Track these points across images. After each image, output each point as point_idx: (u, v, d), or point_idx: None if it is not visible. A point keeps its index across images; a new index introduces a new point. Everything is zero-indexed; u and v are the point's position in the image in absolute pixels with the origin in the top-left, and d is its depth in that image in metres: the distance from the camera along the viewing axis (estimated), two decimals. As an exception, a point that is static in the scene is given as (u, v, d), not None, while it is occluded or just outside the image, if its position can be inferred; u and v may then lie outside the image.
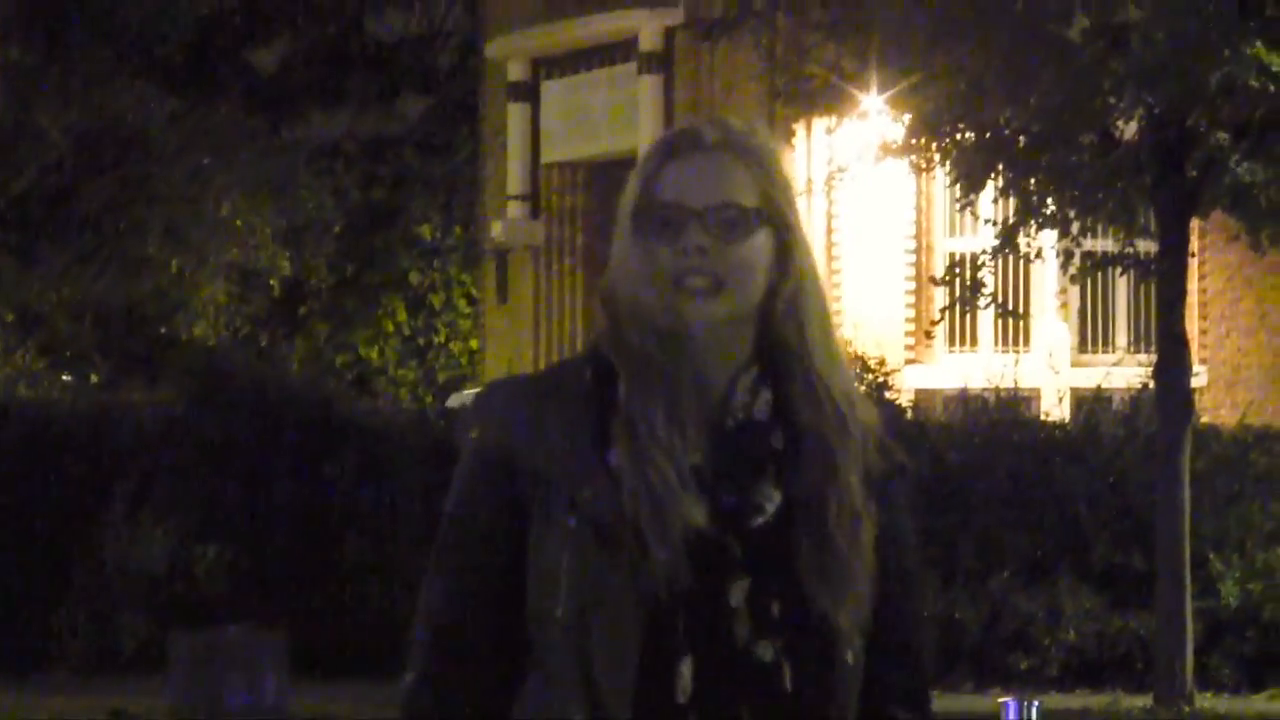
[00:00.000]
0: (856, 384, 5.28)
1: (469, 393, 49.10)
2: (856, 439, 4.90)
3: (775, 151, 4.93)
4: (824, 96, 40.64)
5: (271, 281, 58.67)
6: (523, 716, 4.89)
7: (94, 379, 50.44)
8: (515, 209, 54.43)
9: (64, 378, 49.65)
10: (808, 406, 4.82)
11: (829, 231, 48.00)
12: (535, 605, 4.84)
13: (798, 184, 44.09)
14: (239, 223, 55.66)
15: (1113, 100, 34.84)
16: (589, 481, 4.71)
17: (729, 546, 4.75)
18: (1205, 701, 37.75)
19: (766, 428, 4.87)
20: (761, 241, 4.86)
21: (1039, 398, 46.63)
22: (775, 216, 4.86)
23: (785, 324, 4.83)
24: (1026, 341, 48.38)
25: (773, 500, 4.81)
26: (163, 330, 54.38)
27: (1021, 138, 36.94)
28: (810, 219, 47.68)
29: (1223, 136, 35.93)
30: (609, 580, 4.70)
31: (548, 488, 4.77)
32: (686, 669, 4.68)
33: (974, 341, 47.35)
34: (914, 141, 37.94)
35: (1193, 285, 39.00)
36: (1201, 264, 39.64)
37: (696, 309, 4.76)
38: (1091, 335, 49.60)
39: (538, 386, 5.00)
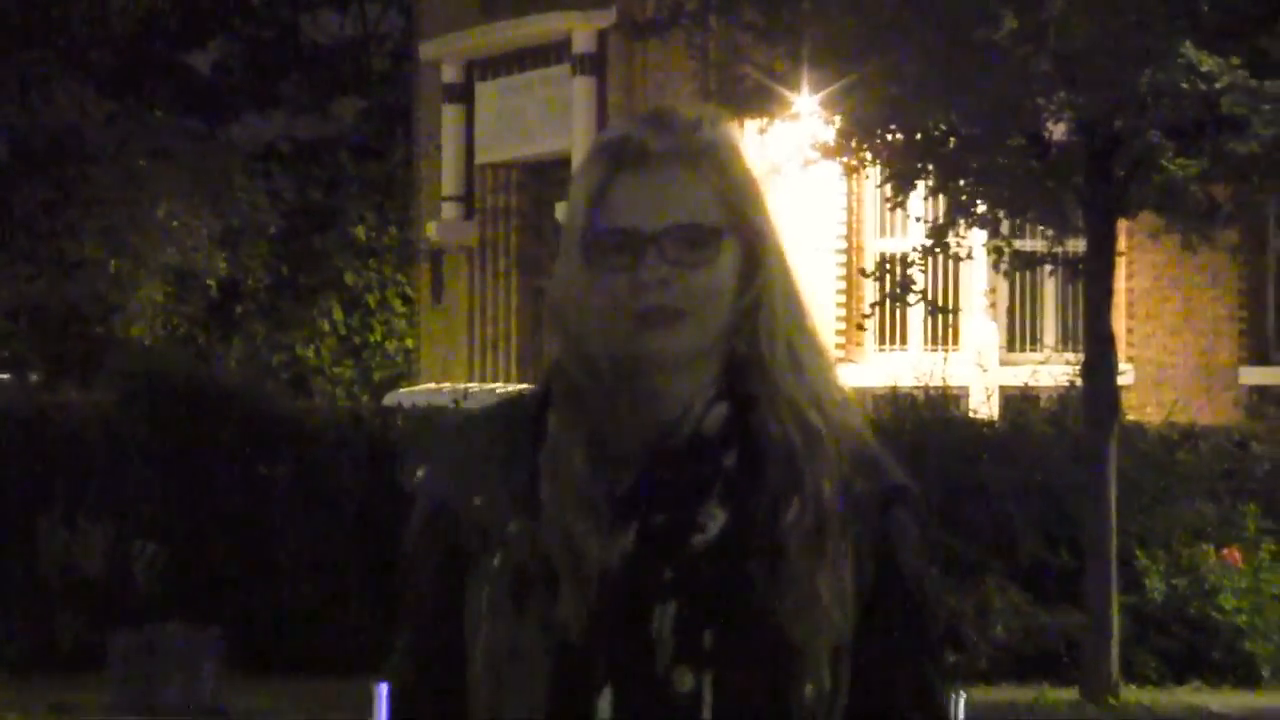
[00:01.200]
0: (840, 403, 4.55)
1: (404, 391, 49.33)
2: (830, 453, 4.50)
3: (733, 144, 4.56)
4: (756, 98, 40.69)
5: (209, 282, 58.78)
6: None
7: (32, 379, 50.40)
8: (450, 210, 54.59)
9: (1, 377, 49.66)
10: (774, 419, 4.45)
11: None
12: (467, 648, 4.60)
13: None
14: (175, 224, 55.76)
15: (1041, 102, 34.95)
16: (517, 516, 4.48)
17: (657, 571, 4.45)
18: (1131, 694, 37.87)
19: (716, 444, 4.48)
20: (727, 259, 4.46)
21: (968, 396, 46.74)
22: (742, 225, 4.46)
23: (752, 336, 4.48)
24: (955, 340, 48.58)
25: (715, 519, 4.44)
26: (100, 330, 54.41)
27: (951, 139, 37.01)
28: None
29: (1152, 137, 36.07)
30: (523, 619, 4.47)
31: (481, 533, 4.54)
32: (605, 702, 4.44)
33: (903, 340, 47.52)
34: (845, 143, 38.05)
35: (1120, 284, 39.10)
36: (1129, 263, 39.78)
37: (659, 341, 4.39)
38: (1020, 334, 49.75)
39: (491, 421, 4.74)
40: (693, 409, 4.44)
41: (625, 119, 4.52)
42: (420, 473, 4.60)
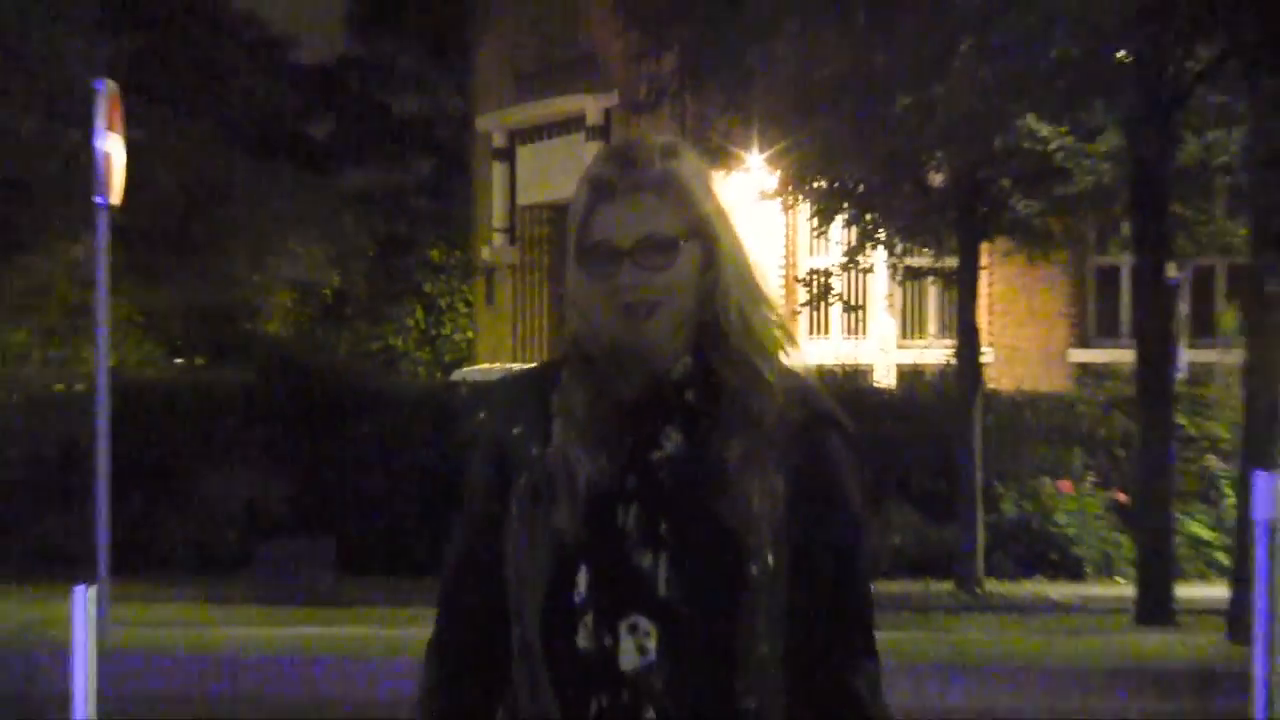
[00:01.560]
0: (784, 353, 4.63)
1: (466, 370, 49.33)
2: (769, 393, 4.52)
3: (695, 170, 4.69)
4: (719, 155, 40.63)
5: (325, 291, 58.58)
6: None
7: (198, 362, 50.25)
8: (498, 238, 54.36)
9: (176, 361, 49.54)
10: (728, 368, 4.48)
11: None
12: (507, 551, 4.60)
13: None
14: (300, 249, 55.50)
15: (925, 158, 34.95)
16: (537, 445, 4.49)
17: (624, 479, 4.44)
18: (991, 586, 37.90)
19: (680, 385, 4.49)
20: (686, 259, 4.49)
21: (873, 372, 46.70)
22: (699, 229, 4.52)
23: (712, 309, 4.50)
24: (864, 331, 48.46)
25: (671, 440, 4.47)
26: (246, 327, 54.19)
27: (860, 186, 37.00)
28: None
29: (1005, 184, 36.10)
30: (535, 526, 4.47)
31: (517, 454, 4.54)
32: (582, 578, 4.41)
33: (825, 331, 47.30)
34: (784, 188, 37.99)
35: (983, 289, 39.05)
36: (989, 275, 39.68)
37: (640, 329, 4.43)
38: (910, 326, 49.60)
39: (526, 379, 4.75)
40: (673, 361, 4.47)
41: (601, 157, 4.58)
42: (482, 415, 4.68)
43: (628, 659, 4.37)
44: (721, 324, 4.49)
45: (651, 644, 4.37)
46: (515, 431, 4.53)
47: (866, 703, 4.57)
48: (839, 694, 4.56)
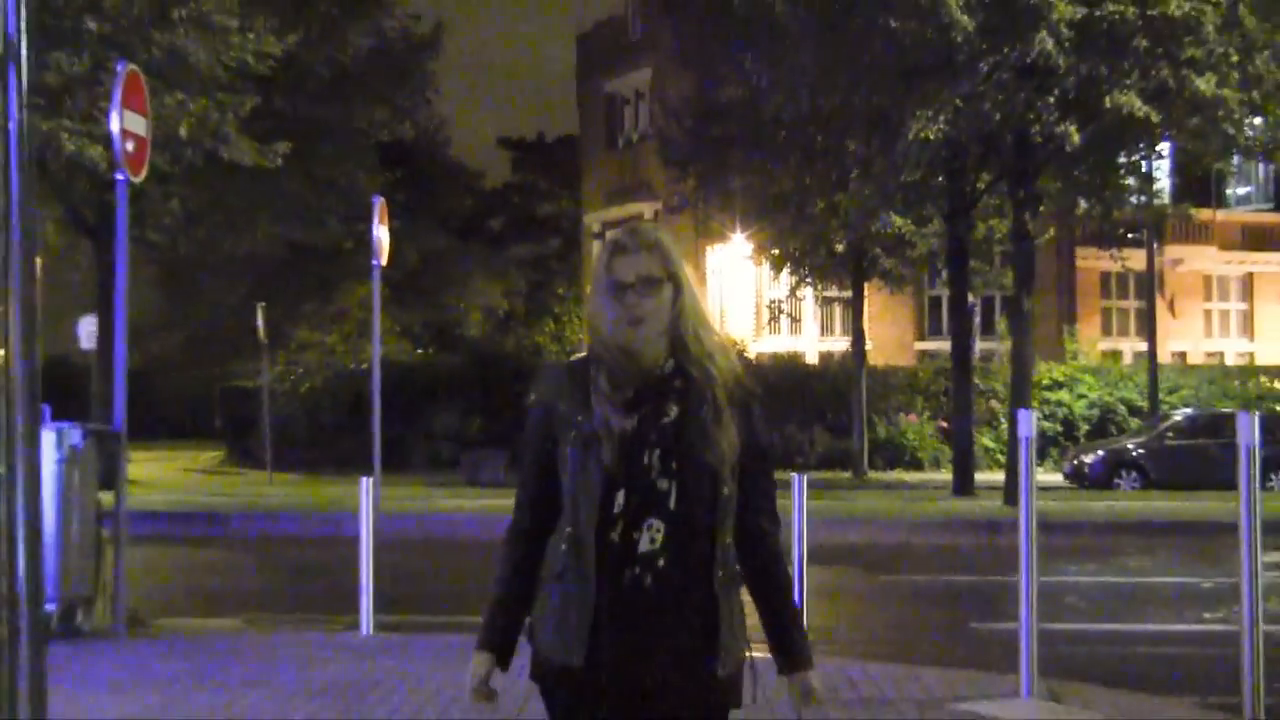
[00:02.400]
0: (726, 357, 4.61)
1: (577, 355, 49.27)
2: (718, 384, 4.47)
3: (667, 239, 4.56)
4: (717, 234, 40.58)
5: (500, 312, 58.61)
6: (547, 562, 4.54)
7: (429, 352, 50.21)
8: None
9: (417, 351, 49.54)
10: (692, 367, 4.44)
11: (720, 290, 47.87)
12: (562, 479, 4.45)
13: (692, 259, 44.74)
14: (485, 288, 55.35)
15: (834, 236, 34.85)
16: (583, 415, 4.38)
17: (647, 435, 4.37)
18: (870, 475, 37.78)
19: (671, 377, 4.44)
20: (665, 293, 4.44)
21: (806, 356, 46.52)
22: (672, 277, 4.46)
23: (679, 325, 4.44)
24: (800, 332, 48.26)
25: (673, 411, 4.42)
26: (456, 332, 54.17)
27: (797, 251, 36.91)
28: (717, 285, 47.76)
29: (877, 250, 35.99)
30: (588, 463, 4.34)
31: (565, 422, 4.42)
32: (620, 496, 4.32)
33: (776, 331, 47.10)
34: (756, 254, 37.88)
35: (866, 308, 38.86)
36: (869, 300, 39.49)
37: (635, 334, 4.40)
38: (825, 329, 49.34)
39: (567, 369, 4.56)
40: (664, 364, 4.45)
41: (621, 231, 4.61)
42: (533, 395, 4.59)
43: (644, 546, 4.33)
44: (686, 339, 4.45)
45: (659, 537, 4.33)
46: (561, 406, 4.44)
47: (774, 541, 4.56)
48: (760, 539, 4.54)
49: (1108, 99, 25.56)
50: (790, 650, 4.58)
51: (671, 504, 4.36)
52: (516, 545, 4.59)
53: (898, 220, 32.69)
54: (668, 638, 4.39)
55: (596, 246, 54.02)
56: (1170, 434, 36.00)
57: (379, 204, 24.67)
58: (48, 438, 11.99)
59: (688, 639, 4.41)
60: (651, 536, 4.35)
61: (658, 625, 4.38)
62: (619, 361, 4.43)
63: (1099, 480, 35.09)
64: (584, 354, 4.54)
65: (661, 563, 4.36)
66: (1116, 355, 49.33)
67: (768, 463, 4.60)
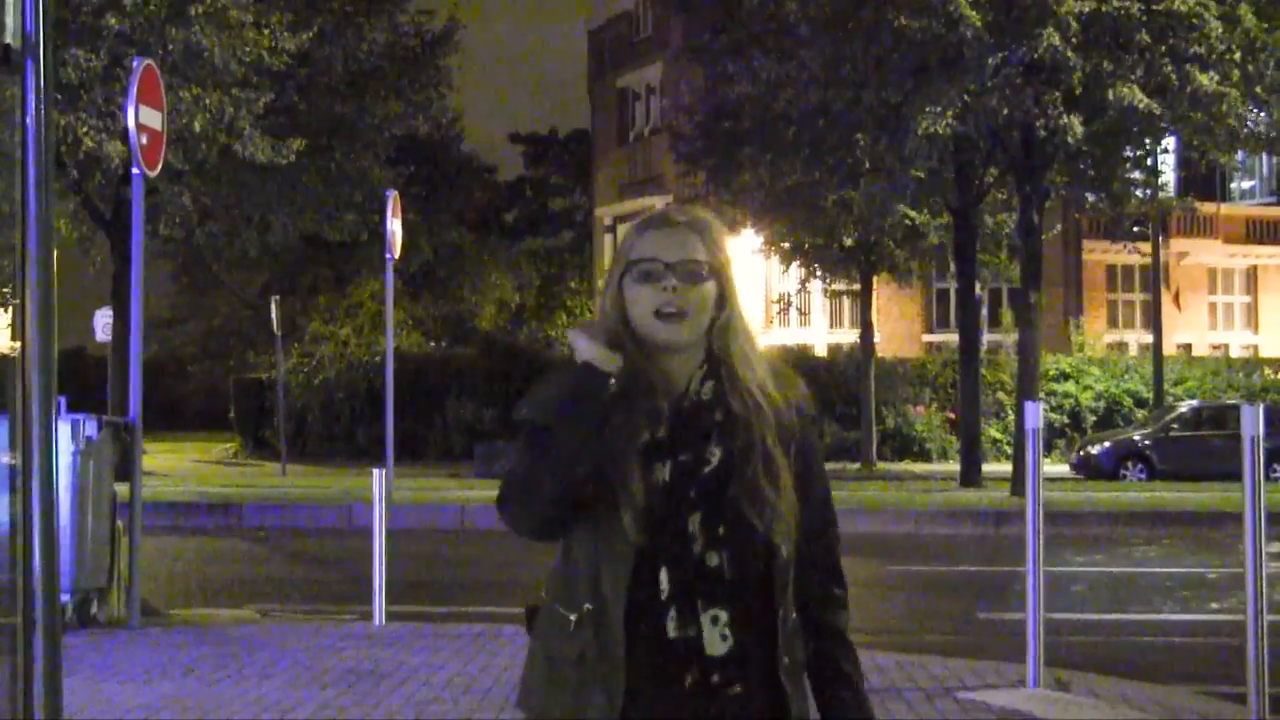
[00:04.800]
0: (781, 386, 3.60)
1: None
2: (769, 415, 3.48)
3: (719, 228, 3.62)
4: (728, 228, 40.49)
5: (512, 305, 58.60)
6: (560, 586, 3.54)
7: (442, 344, 50.21)
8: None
9: (430, 344, 49.54)
10: (735, 396, 3.48)
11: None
12: (576, 525, 3.49)
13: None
14: (499, 281, 55.32)
15: (844, 231, 34.84)
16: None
17: (687, 490, 3.39)
18: (879, 466, 37.81)
19: (710, 406, 3.47)
20: (710, 288, 3.50)
21: (815, 349, 46.56)
22: (717, 271, 3.52)
23: (722, 341, 3.51)
24: (810, 323, 48.30)
25: (715, 455, 3.43)
26: (469, 324, 54.17)
27: (806, 244, 36.92)
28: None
29: (888, 243, 35.99)
30: (612, 524, 3.35)
31: None
32: (664, 575, 3.35)
33: (786, 324, 47.13)
34: (766, 247, 37.91)
35: (874, 301, 38.93)
36: (877, 293, 39.54)
37: (670, 332, 3.45)
38: (834, 322, 49.40)
39: (561, 384, 3.50)
40: (692, 383, 3.49)
41: (664, 209, 3.66)
42: (524, 410, 3.55)
43: (714, 644, 3.39)
44: (733, 359, 3.52)
45: (729, 631, 3.41)
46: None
47: (839, 613, 3.63)
48: (823, 607, 3.62)
49: (1111, 93, 25.60)
50: None
51: (728, 583, 3.43)
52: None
53: (910, 212, 32.68)
54: None
55: (609, 240, 54.05)
56: (1176, 425, 35.97)
57: (393, 198, 24.71)
58: (64, 429, 11.98)
59: None
60: (722, 632, 3.42)
61: None
62: (644, 372, 3.47)
63: (1105, 471, 35.06)
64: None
65: (740, 667, 3.44)
66: (1122, 348, 49.31)
67: (828, 507, 3.68)
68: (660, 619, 3.39)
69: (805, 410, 3.62)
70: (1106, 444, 36.31)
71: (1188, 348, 50.42)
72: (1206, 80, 25.44)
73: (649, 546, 3.37)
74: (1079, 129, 25.62)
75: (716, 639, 3.40)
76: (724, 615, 3.40)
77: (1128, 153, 29.36)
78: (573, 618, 3.45)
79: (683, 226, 3.55)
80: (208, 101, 27.73)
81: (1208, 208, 48.29)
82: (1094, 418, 42.25)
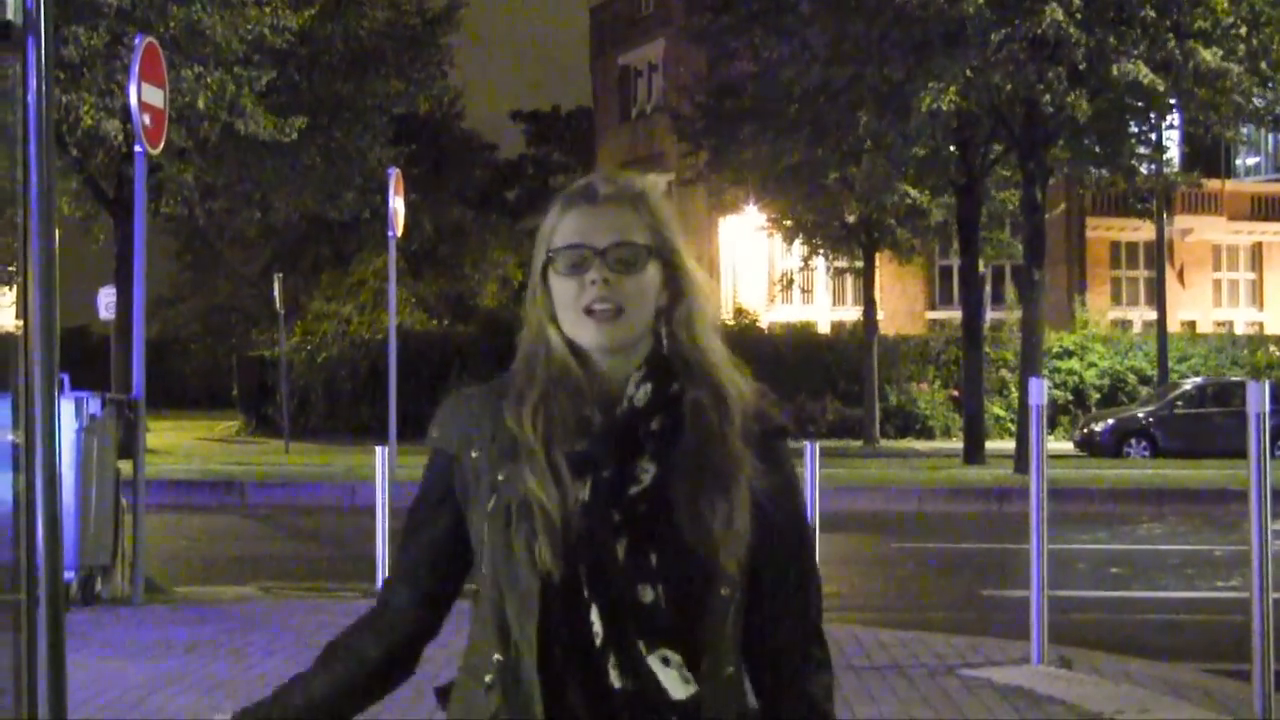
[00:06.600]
0: (734, 367, 2.88)
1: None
2: (731, 419, 2.81)
3: (659, 195, 2.95)
4: (730, 205, 40.58)
5: (514, 282, 58.50)
6: (468, 650, 2.97)
7: (444, 322, 50.16)
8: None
9: (432, 322, 49.49)
10: (698, 390, 2.81)
11: (734, 261, 47.85)
12: (476, 566, 2.87)
13: (706, 231, 44.86)
14: (500, 259, 55.24)
15: (846, 208, 34.86)
16: (503, 468, 2.81)
17: (608, 514, 2.74)
18: (882, 443, 37.78)
19: (646, 414, 2.80)
20: (651, 275, 2.82)
21: (818, 326, 46.55)
22: (664, 249, 2.85)
23: (679, 332, 2.84)
24: (813, 301, 48.28)
25: (649, 471, 2.77)
26: (470, 302, 54.13)
27: (810, 223, 36.94)
28: (730, 256, 47.69)
29: (890, 221, 35.98)
30: (512, 549, 2.76)
31: (478, 475, 2.85)
32: (596, 616, 2.73)
33: (788, 300, 47.11)
34: (769, 224, 37.90)
35: (877, 278, 38.95)
36: (880, 270, 39.56)
37: (601, 333, 2.79)
38: (837, 299, 49.34)
39: (485, 393, 2.93)
40: (629, 386, 2.83)
41: (587, 178, 2.95)
42: (435, 432, 2.94)
43: (676, 688, 2.76)
44: (686, 348, 2.86)
45: (688, 672, 2.76)
46: (474, 455, 2.88)
47: (821, 679, 2.96)
48: (795, 672, 2.95)
49: (1115, 68, 25.58)
50: None
51: (667, 621, 2.78)
52: (368, 622, 3.10)
53: (912, 190, 32.70)
54: None
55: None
56: (1180, 402, 35.96)
57: (395, 176, 24.73)
58: (67, 407, 11.99)
59: None
60: (681, 674, 2.79)
61: None
62: (569, 379, 2.86)
63: (1109, 448, 35.07)
64: (508, 373, 2.98)
65: (706, 711, 2.81)
66: (1126, 324, 49.30)
67: (805, 543, 2.99)
68: (598, 667, 2.77)
69: (774, 422, 2.94)
70: (1110, 421, 36.31)
71: (1192, 325, 50.38)
72: (1210, 56, 25.42)
73: (570, 579, 2.76)
74: (1086, 105, 25.61)
75: (677, 680, 2.78)
76: (675, 657, 2.78)
77: (1132, 128, 29.37)
78: (487, 679, 2.88)
79: (613, 201, 2.89)
80: (209, 80, 27.70)
81: (1212, 184, 48.22)
82: (1098, 395, 42.27)
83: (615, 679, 2.77)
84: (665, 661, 2.78)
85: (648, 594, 2.77)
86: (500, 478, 2.82)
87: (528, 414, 2.83)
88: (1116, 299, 52.26)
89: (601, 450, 2.82)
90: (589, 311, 2.81)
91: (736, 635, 2.88)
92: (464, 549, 2.93)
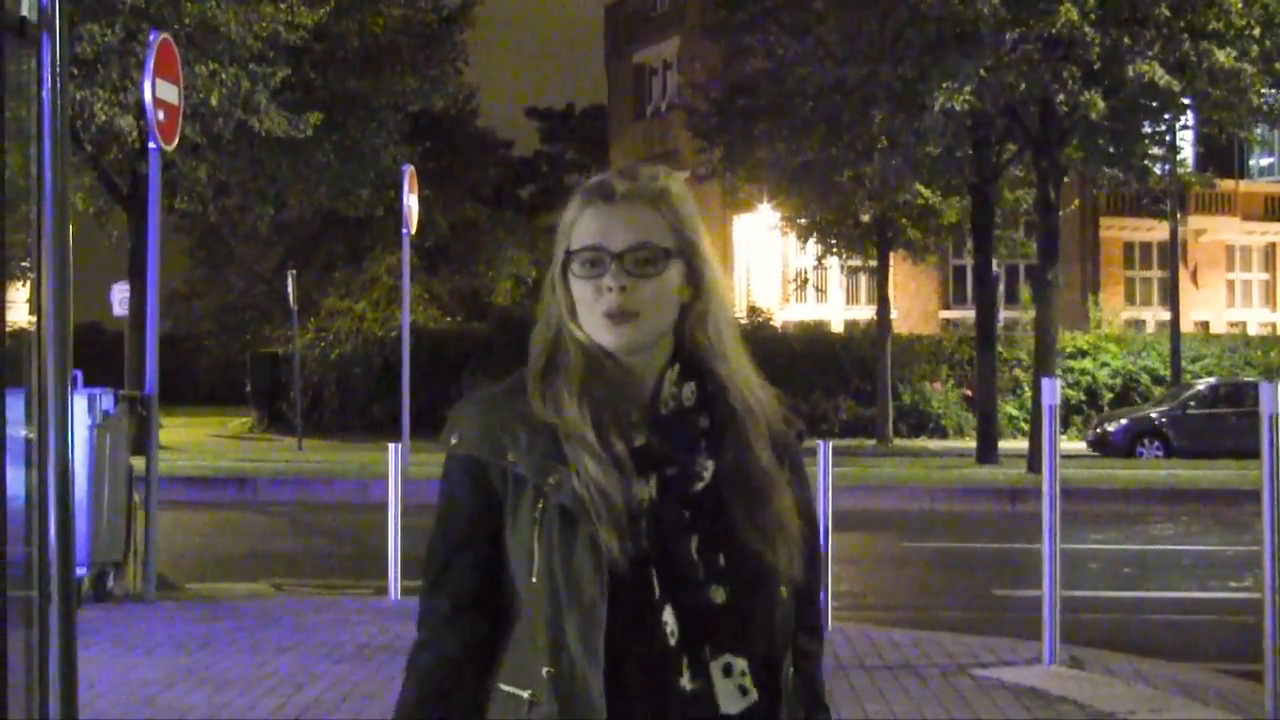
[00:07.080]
0: (757, 375, 2.82)
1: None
2: (761, 418, 2.76)
3: (681, 191, 2.84)
4: (744, 203, 40.55)
5: (528, 280, 58.46)
6: (507, 664, 2.72)
7: (458, 320, 50.19)
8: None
9: (446, 319, 49.50)
10: (723, 396, 2.74)
11: (748, 259, 47.86)
12: (517, 579, 2.68)
13: (721, 229, 44.80)
14: (515, 256, 55.25)
15: (860, 207, 34.84)
16: (551, 472, 2.65)
17: (678, 510, 2.65)
18: (896, 442, 37.79)
19: (694, 412, 2.72)
20: (673, 273, 2.73)
21: (831, 325, 46.52)
22: (685, 248, 2.75)
23: (699, 333, 2.76)
24: (827, 300, 48.25)
25: (707, 469, 2.68)
26: (485, 300, 54.14)
27: (824, 221, 36.92)
28: (744, 254, 47.68)
29: (903, 220, 35.96)
30: (573, 551, 2.61)
31: (516, 482, 2.68)
32: (670, 616, 2.60)
33: (803, 299, 47.10)
34: (784, 223, 37.86)
35: (891, 277, 38.92)
36: (894, 269, 39.54)
37: (618, 336, 2.69)
38: (851, 298, 49.32)
39: (505, 396, 2.79)
40: (665, 385, 2.75)
41: (604, 173, 2.86)
42: (455, 439, 2.76)
43: (730, 700, 2.65)
44: (714, 350, 2.79)
45: (748, 684, 2.67)
46: (510, 458, 2.71)
47: (815, 667, 2.90)
48: (798, 663, 2.84)
49: (1130, 69, 25.57)
50: None
51: (737, 624, 2.69)
52: (438, 680, 2.78)
53: (924, 190, 32.69)
54: None
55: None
56: (1193, 403, 35.92)
57: (409, 173, 24.75)
58: (80, 403, 12.00)
59: None
60: (739, 685, 2.68)
61: None
62: (603, 374, 2.77)
63: (1122, 448, 35.03)
64: (521, 372, 2.86)
65: None
66: (1140, 325, 49.27)
67: (813, 546, 2.90)
68: (670, 669, 2.64)
69: (791, 419, 2.91)
70: (1123, 421, 36.27)
71: (1205, 325, 50.32)
72: (1224, 56, 25.40)
73: (641, 580, 2.64)
74: (1101, 104, 25.59)
75: (733, 692, 2.67)
76: (739, 664, 2.67)
77: (1146, 128, 29.35)
78: (526, 694, 2.70)
79: (631, 200, 2.79)
80: (224, 76, 27.73)
81: (1226, 185, 48.19)
82: (1111, 395, 42.22)
83: (687, 681, 2.65)
84: (726, 670, 2.67)
85: (719, 594, 2.67)
86: (551, 481, 2.68)
87: (572, 405, 2.72)
88: (1130, 299, 52.22)
89: (666, 446, 2.72)
90: (605, 316, 2.72)
91: (790, 640, 2.80)
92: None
